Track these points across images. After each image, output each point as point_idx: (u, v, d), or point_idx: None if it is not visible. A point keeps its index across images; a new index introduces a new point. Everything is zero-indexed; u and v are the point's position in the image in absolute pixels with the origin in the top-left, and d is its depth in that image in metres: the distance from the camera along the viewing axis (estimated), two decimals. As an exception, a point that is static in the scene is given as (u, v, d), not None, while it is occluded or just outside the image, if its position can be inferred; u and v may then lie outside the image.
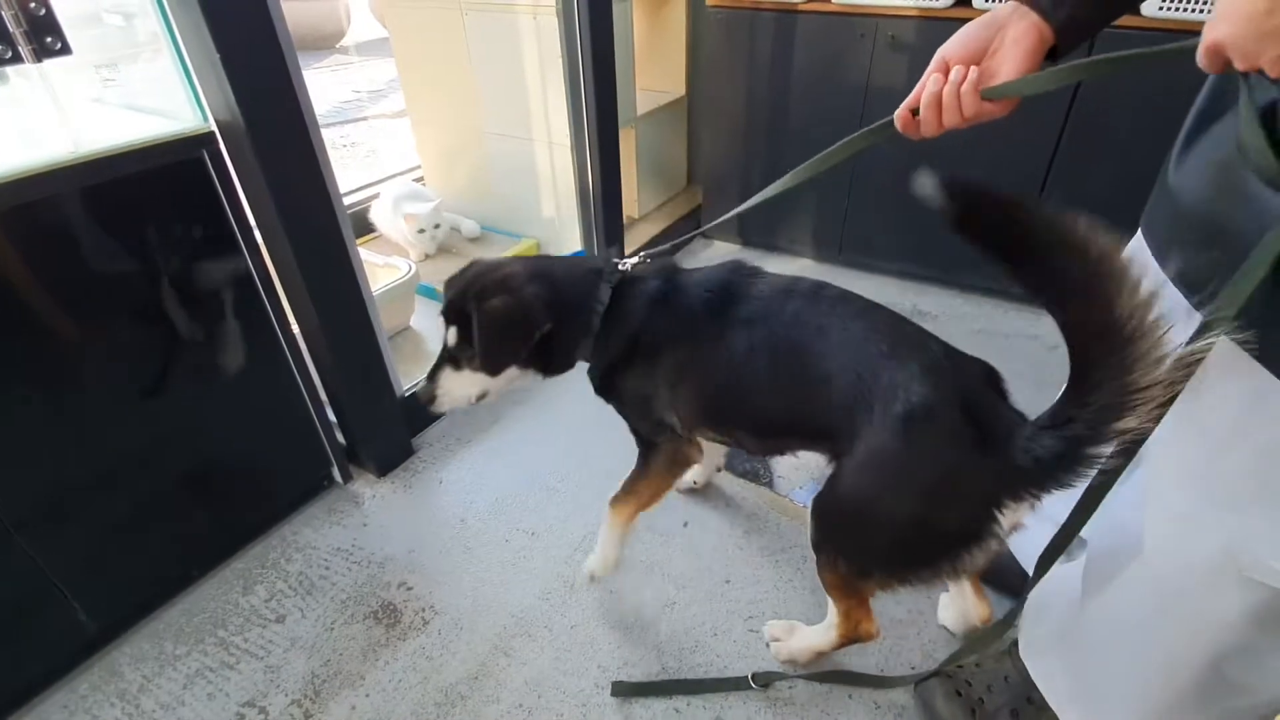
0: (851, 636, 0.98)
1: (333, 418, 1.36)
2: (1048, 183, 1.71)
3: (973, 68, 0.68)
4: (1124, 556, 0.74)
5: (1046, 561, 0.76)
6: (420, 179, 2.37)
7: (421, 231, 2.03)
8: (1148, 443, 0.69)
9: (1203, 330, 0.55)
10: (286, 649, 1.11)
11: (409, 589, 1.20)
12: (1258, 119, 0.54)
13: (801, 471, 1.42)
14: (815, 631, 1.03)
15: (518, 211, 2.20)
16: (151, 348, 1.05)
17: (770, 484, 1.39)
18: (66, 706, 1.04)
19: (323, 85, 4.79)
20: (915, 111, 0.74)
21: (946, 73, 0.70)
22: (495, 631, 1.12)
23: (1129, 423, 0.59)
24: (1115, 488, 0.93)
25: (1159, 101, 1.44)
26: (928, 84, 0.70)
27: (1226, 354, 0.59)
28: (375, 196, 2.15)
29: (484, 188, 2.24)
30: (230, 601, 1.19)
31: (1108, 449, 0.60)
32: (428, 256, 2.13)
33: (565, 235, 2.11)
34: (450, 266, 2.04)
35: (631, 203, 2.36)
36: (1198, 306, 0.62)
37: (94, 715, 1.03)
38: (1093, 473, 0.65)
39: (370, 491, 1.41)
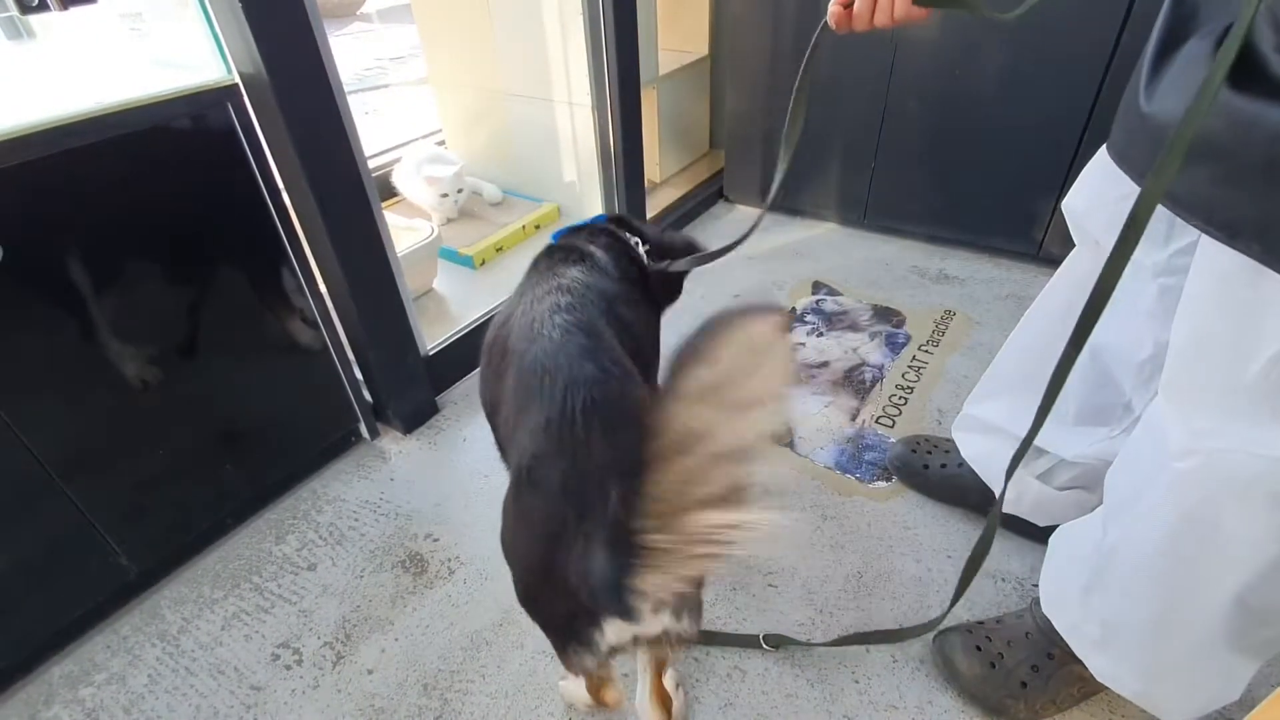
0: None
1: (359, 375, 1.38)
2: (1089, 125, 1.65)
3: None
4: (1147, 492, 0.74)
5: (1011, 469, 0.81)
6: (442, 143, 2.36)
7: (444, 196, 2.03)
8: (1164, 373, 0.70)
9: (1140, 203, 0.57)
10: (318, 595, 1.14)
11: (435, 540, 1.23)
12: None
13: (823, 433, 1.42)
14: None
15: (539, 175, 2.19)
16: (180, 301, 1.07)
17: (791, 445, 1.39)
18: (109, 646, 1.09)
19: (345, 53, 4.77)
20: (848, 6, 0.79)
21: None
22: (518, 582, 1.15)
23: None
24: (1129, 424, 0.93)
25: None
26: None
27: (1224, 262, 0.60)
28: (398, 160, 2.15)
29: (505, 151, 2.23)
30: (264, 550, 1.23)
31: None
32: (450, 220, 2.14)
33: (586, 199, 2.10)
34: (472, 230, 2.07)
35: (653, 166, 2.34)
36: (1196, 224, 0.63)
37: (135, 655, 1.07)
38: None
39: (396, 448, 1.43)
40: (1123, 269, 0.59)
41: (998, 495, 1.11)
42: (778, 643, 1.02)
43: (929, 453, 1.26)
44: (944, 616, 0.97)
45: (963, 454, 1.18)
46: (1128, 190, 0.75)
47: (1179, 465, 0.68)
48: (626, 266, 0.98)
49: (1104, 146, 0.83)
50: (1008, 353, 1.09)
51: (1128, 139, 0.76)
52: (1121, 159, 0.77)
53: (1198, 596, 0.72)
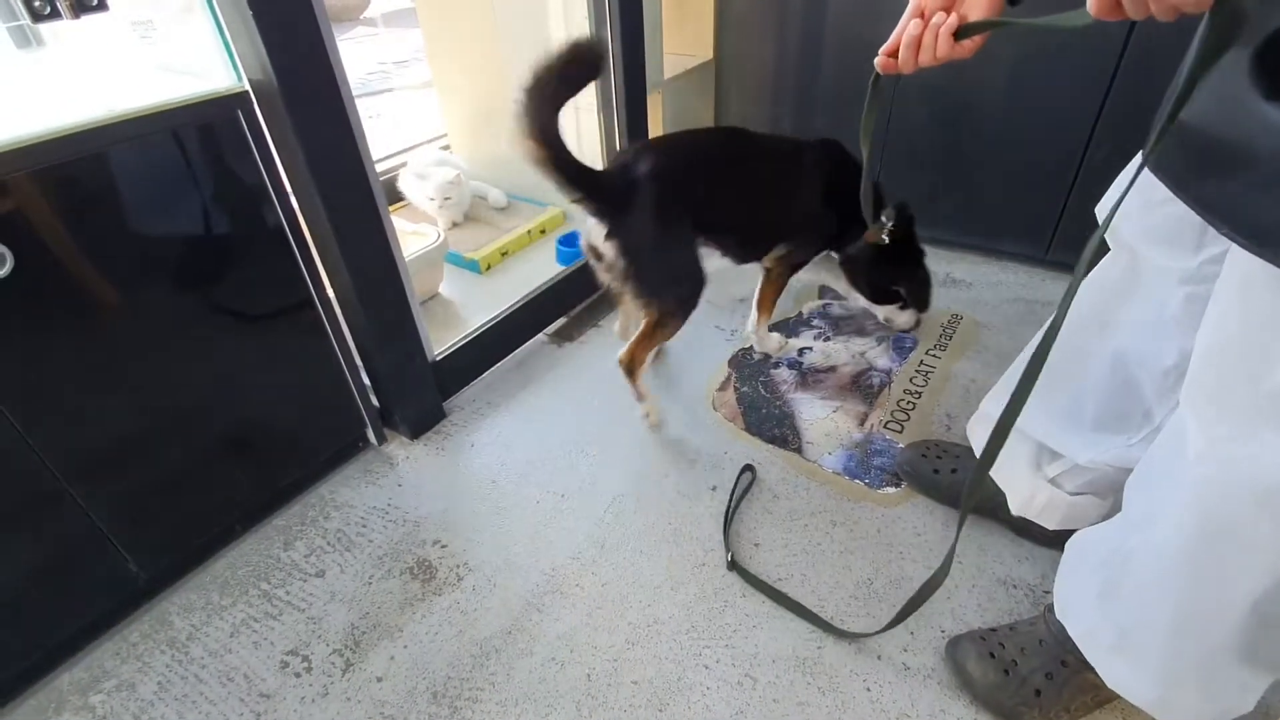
0: None
1: (367, 381, 1.38)
2: (1097, 127, 1.64)
3: (953, 14, 0.76)
4: (1166, 498, 0.73)
5: (993, 447, 0.76)
6: (447, 147, 2.37)
7: (431, 200, 2.03)
8: (1186, 378, 0.69)
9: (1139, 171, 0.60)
10: (327, 601, 1.14)
11: (443, 547, 1.22)
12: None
13: (831, 438, 1.41)
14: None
15: (544, 180, 2.19)
16: (190, 307, 1.07)
17: (799, 449, 1.39)
18: (119, 653, 1.09)
19: (348, 57, 4.78)
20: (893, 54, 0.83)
21: (922, 16, 0.78)
22: (528, 588, 1.14)
23: None
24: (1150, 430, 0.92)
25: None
26: (908, 27, 0.78)
27: (1251, 270, 0.60)
28: (404, 165, 2.15)
29: (510, 156, 2.22)
30: (272, 556, 1.22)
31: None
32: (455, 225, 2.14)
33: (592, 203, 2.09)
34: (478, 235, 2.07)
35: (658, 170, 2.33)
36: (1225, 231, 0.62)
37: (145, 662, 1.07)
38: None
39: (404, 453, 1.43)
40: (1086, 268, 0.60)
41: (998, 481, 1.11)
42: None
43: (939, 458, 1.26)
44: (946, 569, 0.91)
45: (975, 451, 1.17)
46: (1161, 196, 0.75)
47: (1198, 471, 0.68)
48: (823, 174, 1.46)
49: (1140, 153, 0.83)
50: (1030, 353, 1.08)
51: (1162, 145, 0.76)
52: (1155, 166, 0.77)
53: (1214, 604, 0.71)
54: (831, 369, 1.61)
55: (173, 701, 1.01)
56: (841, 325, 1.77)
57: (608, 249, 1.27)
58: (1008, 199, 1.86)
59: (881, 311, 1.70)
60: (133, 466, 1.06)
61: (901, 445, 1.37)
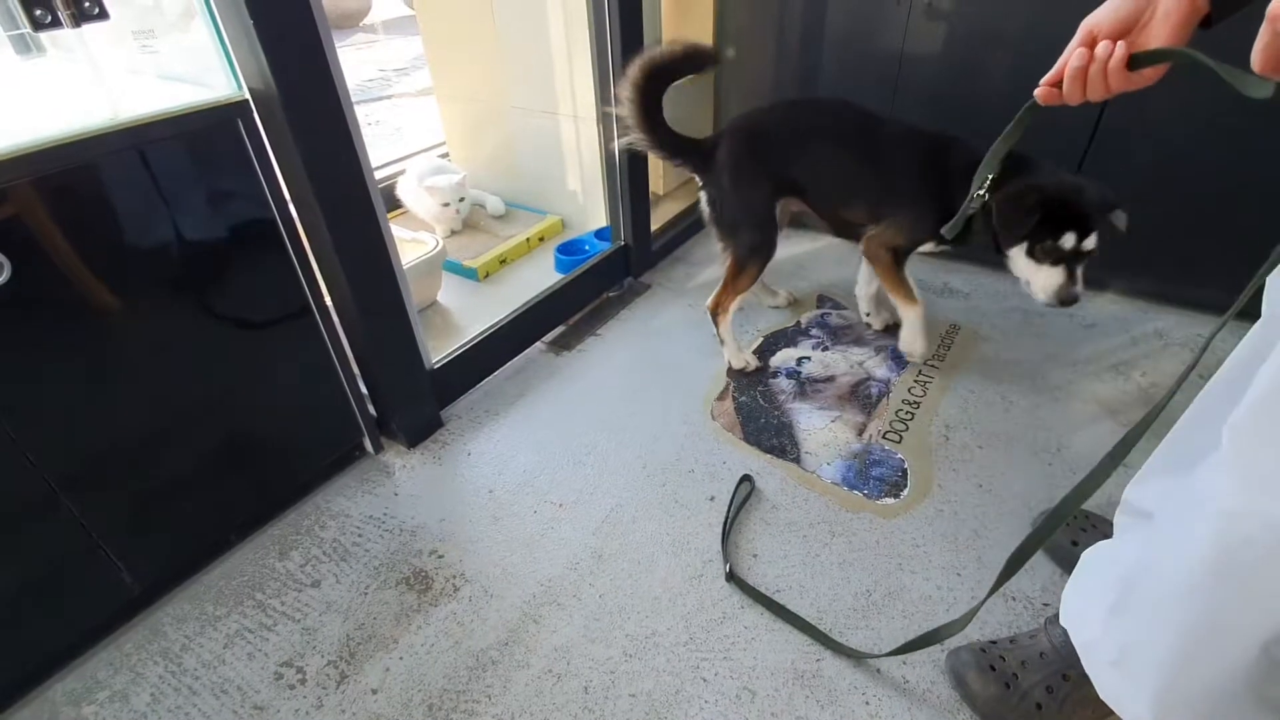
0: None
1: (364, 389, 1.38)
2: (1099, 126, 1.64)
3: (1120, 44, 0.67)
4: (1190, 527, 0.72)
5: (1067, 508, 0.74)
6: (446, 155, 2.37)
7: (446, 205, 2.03)
8: (1232, 417, 0.66)
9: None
10: (322, 612, 1.13)
11: (440, 557, 1.22)
12: None
13: (829, 448, 1.41)
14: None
15: (543, 188, 2.19)
16: (188, 316, 1.06)
17: (797, 460, 1.39)
18: (112, 664, 1.07)
19: (348, 64, 4.80)
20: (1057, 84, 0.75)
21: (1091, 45, 0.69)
22: (524, 599, 1.14)
23: None
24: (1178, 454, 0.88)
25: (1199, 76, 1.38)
26: (1071, 58, 0.70)
27: None
28: (402, 172, 2.15)
29: (509, 164, 2.24)
30: (267, 566, 1.21)
31: None
32: (454, 233, 2.14)
33: (590, 212, 2.10)
34: (476, 243, 2.07)
35: (657, 179, 2.34)
36: None
37: (138, 673, 1.06)
38: None
39: (400, 462, 1.43)
40: None
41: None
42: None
43: (1083, 530, 1.15)
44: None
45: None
46: None
47: (1226, 510, 0.66)
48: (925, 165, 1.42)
49: None
50: (1180, 427, 0.89)
51: None
52: None
53: (1221, 640, 0.70)
54: (830, 379, 1.61)
55: (165, 713, 1.00)
56: (840, 334, 1.77)
57: (702, 197, 1.58)
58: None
59: (1020, 271, 1.34)
60: (127, 475, 1.06)
61: (900, 455, 1.36)
